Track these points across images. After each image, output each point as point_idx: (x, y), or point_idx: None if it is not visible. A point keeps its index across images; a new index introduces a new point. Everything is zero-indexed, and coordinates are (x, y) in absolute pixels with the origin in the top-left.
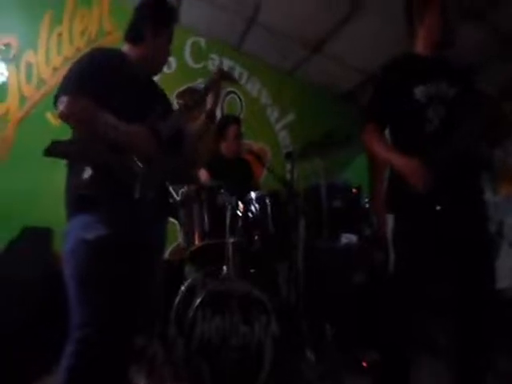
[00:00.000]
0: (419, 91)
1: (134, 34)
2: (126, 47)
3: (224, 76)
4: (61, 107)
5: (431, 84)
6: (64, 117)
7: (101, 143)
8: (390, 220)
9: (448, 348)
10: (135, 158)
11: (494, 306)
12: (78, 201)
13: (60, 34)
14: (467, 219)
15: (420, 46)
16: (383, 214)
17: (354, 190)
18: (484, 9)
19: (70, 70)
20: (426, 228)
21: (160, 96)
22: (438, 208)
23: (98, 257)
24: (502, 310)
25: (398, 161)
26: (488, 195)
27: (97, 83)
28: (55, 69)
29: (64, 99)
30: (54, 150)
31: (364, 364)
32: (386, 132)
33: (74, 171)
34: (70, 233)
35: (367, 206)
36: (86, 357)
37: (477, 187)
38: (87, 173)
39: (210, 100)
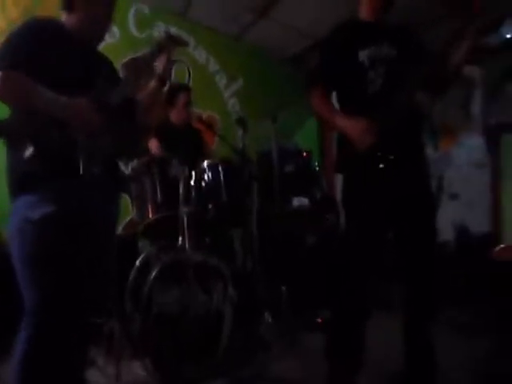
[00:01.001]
0: (362, 54)
1: (65, 2)
2: (63, 16)
3: (172, 39)
4: None
5: (373, 47)
6: None
7: (40, 119)
8: (339, 181)
9: (399, 302)
10: (78, 132)
11: (437, 259)
12: (21, 180)
13: None
14: (410, 175)
15: (363, 11)
16: (333, 176)
17: (304, 154)
18: None
19: (2, 44)
20: (372, 186)
21: (105, 65)
22: (381, 166)
23: (45, 236)
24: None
25: (342, 122)
26: (429, 151)
27: (32, 55)
28: None
29: None
30: None
31: (319, 320)
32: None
33: (13, 150)
34: (14, 214)
35: (317, 169)
36: (40, 341)
37: (418, 143)
38: (28, 151)
39: (160, 64)
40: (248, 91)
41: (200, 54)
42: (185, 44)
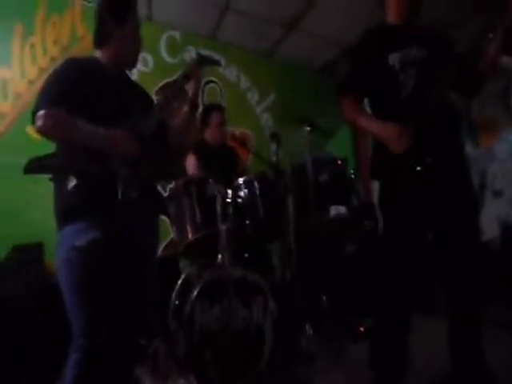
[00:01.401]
0: (392, 58)
1: (98, 38)
2: (97, 53)
3: (203, 61)
4: (38, 123)
5: (403, 50)
6: (42, 132)
7: (81, 152)
8: (376, 187)
9: (442, 305)
10: (117, 162)
11: (481, 260)
12: (66, 212)
13: (33, 45)
14: (449, 177)
15: (390, 15)
16: (369, 182)
17: (339, 162)
18: None
19: (44, 84)
20: (410, 190)
21: (139, 94)
22: (419, 168)
23: (90, 261)
24: (489, 262)
25: (376, 127)
26: (469, 149)
27: (71, 93)
28: (30, 82)
29: (40, 114)
30: (33, 166)
31: (361, 329)
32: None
33: (58, 183)
34: (61, 244)
35: (353, 176)
36: (89, 364)
37: (457, 143)
38: (71, 182)
39: (190, 88)
40: (280, 105)
41: (231, 73)
42: (216, 63)
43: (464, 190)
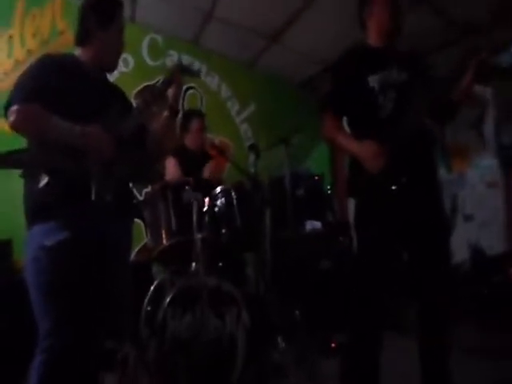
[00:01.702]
0: (372, 80)
1: (80, 36)
2: (77, 51)
3: (183, 69)
4: (10, 118)
5: (383, 72)
6: (14, 127)
7: (55, 149)
8: (351, 205)
9: (414, 325)
10: (91, 161)
11: (451, 282)
12: (36, 210)
13: (11, 37)
14: (423, 198)
15: (371, 37)
16: (344, 199)
17: (316, 178)
18: None
19: (19, 79)
20: (384, 209)
21: (118, 96)
22: (394, 188)
23: (59, 262)
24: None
25: (353, 145)
26: (442, 173)
27: (47, 88)
28: (6, 73)
29: (13, 109)
30: (4, 161)
31: (333, 345)
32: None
33: (29, 180)
34: (30, 242)
35: (329, 192)
36: (56, 365)
37: (431, 166)
38: (43, 180)
39: (171, 94)
40: (260, 117)
41: (212, 81)
42: (197, 74)
43: (436, 213)
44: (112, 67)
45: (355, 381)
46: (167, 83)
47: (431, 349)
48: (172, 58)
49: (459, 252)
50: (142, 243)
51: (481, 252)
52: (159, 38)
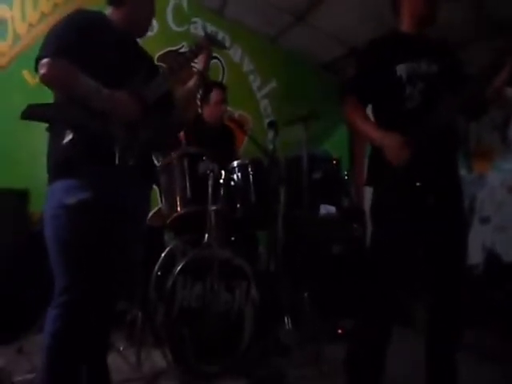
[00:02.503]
0: (400, 69)
1: None
2: (109, 10)
3: (211, 40)
4: (41, 70)
5: (412, 62)
6: (45, 80)
7: (82, 107)
8: (368, 193)
9: (423, 320)
10: (116, 124)
11: (464, 282)
12: (59, 166)
13: None
14: (443, 195)
15: (403, 23)
16: (361, 186)
17: (333, 162)
18: None
19: (51, 32)
20: (405, 202)
21: (145, 60)
22: (418, 184)
23: (78, 221)
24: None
25: (377, 134)
26: (463, 172)
27: (77, 45)
28: (31, 25)
29: (44, 62)
30: (32, 113)
31: (340, 331)
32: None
33: (54, 135)
34: (50, 198)
35: (346, 177)
36: (69, 320)
37: (453, 164)
38: (68, 137)
39: (201, 62)
40: (280, 94)
41: (235, 53)
42: (223, 46)
43: (456, 211)
44: (141, 33)
45: (359, 368)
46: (195, 51)
47: (438, 346)
48: (196, 26)
49: (474, 255)
50: (156, 208)
51: (496, 257)
52: (184, 4)
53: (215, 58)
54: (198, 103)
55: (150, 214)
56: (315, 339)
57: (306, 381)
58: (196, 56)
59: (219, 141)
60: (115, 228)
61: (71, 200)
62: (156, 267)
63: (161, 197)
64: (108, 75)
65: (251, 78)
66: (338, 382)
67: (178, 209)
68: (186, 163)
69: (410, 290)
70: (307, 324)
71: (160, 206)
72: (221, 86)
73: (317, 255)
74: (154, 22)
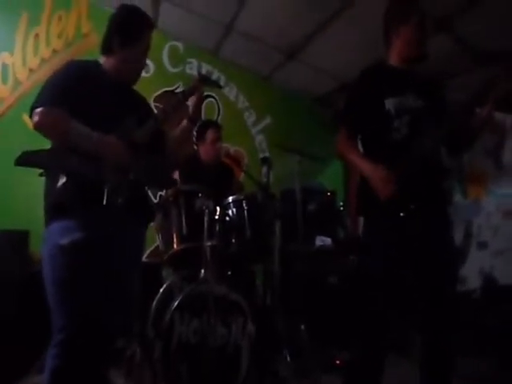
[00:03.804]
0: (389, 102)
1: (104, 46)
2: (102, 58)
3: (205, 80)
4: (34, 118)
5: (400, 96)
6: (37, 128)
7: (74, 152)
8: (361, 223)
9: (418, 347)
10: (106, 166)
11: (457, 308)
12: (54, 208)
13: (37, 36)
14: (431, 225)
15: (394, 58)
16: (357, 217)
17: (328, 194)
18: (451, 20)
19: (47, 82)
20: (392, 234)
21: (138, 102)
22: (402, 215)
23: (73, 261)
24: (472, 310)
25: (365, 167)
26: (458, 198)
27: (71, 94)
28: (31, 70)
29: (38, 111)
30: (25, 160)
31: (337, 362)
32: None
33: (49, 179)
34: (47, 239)
35: (342, 209)
36: (67, 358)
37: (441, 193)
38: (61, 180)
39: (192, 105)
40: (275, 129)
41: (231, 91)
42: (218, 86)
43: (444, 241)
44: (132, 80)
45: None
46: (188, 94)
47: (433, 374)
48: (191, 66)
49: (471, 279)
50: (154, 245)
51: (493, 280)
52: (180, 46)
53: (211, 96)
54: (194, 142)
55: (148, 252)
56: (313, 371)
57: None
58: (189, 96)
59: (216, 178)
60: (109, 266)
61: (65, 240)
62: (154, 303)
63: (158, 234)
64: (102, 120)
65: (246, 114)
66: None
67: (175, 246)
68: (181, 201)
69: (403, 317)
70: (305, 356)
71: (157, 243)
72: (216, 125)
73: (313, 287)
74: (150, 64)
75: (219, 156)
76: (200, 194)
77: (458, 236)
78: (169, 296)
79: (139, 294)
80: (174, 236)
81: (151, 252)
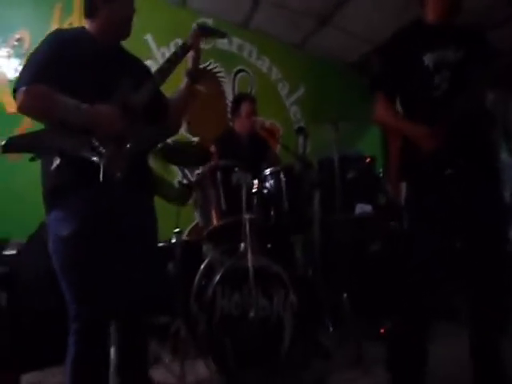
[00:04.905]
0: (427, 58)
1: (87, 8)
2: (86, 23)
3: (206, 32)
4: (18, 100)
5: (438, 51)
6: (22, 110)
7: (65, 130)
8: (403, 188)
9: (465, 312)
10: (101, 139)
11: (506, 269)
12: (50, 195)
13: (71, 24)
14: (478, 182)
15: (428, 14)
16: (398, 182)
17: (367, 160)
18: None
19: (28, 59)
20: (438, 193)
21: (133, 66)
22: (449, 172)
23: (76, 250)
24: None
25: (407, 126)
26: (504, 156)
27: (55, 67)
28: None
29: (20, 91)
30: (13, 145)
31: (382, 331)
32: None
33: (44, 162)
34: (49, 229)
35: (381, 175)
36: (84, 345)
37: (488, 149)
38: (55, 162)
39: (190, 60)
40: (310, 99)
41: (263, 63)
42: (219, 34)
43: (493, 199)
44: (123, 35)
45: (402, 367)
46: (185, 49)
47: (483, 338)
48: (222, 41)
49: None
50: (194, 223)
51: None
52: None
53: (243, 70)
54: (229, 116)
55: (188, 229)
56: (357, 340)
57: (349, 382)
58: (189, 50)
59: (252, 151)
60: (116, 247)
61: (65, 231)
62: (196, 279)
63: (196, 211)
64: (93, 88)
65: (280, 86)
66: (381, 381)
67: (214, 221)
68: (218, 176)
69: (450, 281)
70: (348, 325)
71: (197, 220)
72: (250, 98)
73: (354, 255)
74: (180, 42)
75: (254, 129)
76: (237, 169)
77: (506, 195)
78: (210, 271)
79: (180, 272)
80: (213, 212)
81: (191, 229)
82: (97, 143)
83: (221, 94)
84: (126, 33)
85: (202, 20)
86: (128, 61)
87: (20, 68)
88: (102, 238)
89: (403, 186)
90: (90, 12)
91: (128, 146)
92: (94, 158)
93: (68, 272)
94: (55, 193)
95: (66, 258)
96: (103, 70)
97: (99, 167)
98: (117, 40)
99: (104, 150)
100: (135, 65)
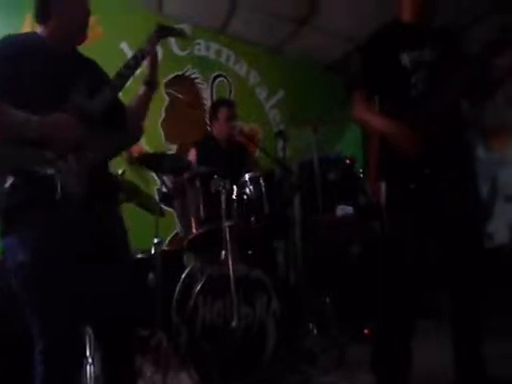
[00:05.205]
0: (405, 58)
1: (39, 13)
2: (39, 29)
3: (162, 32)
4: None
5: (416, 51)
6: None
7: (17, 145)
8: (383, 188)
9: (446, 311)
10: (51, 153)
11: (484, 266)
12: (5, 217)
13: None
14: (456, 182)
15: (404, 14)
16: (378, 182)
17: (347, 161)
18: None
19: None
20: (416, 192)
21: (89, 71)
22: (427, 171)
23: (36, 275)
24: (500, 266)
25: (388, 124)
26: (480, 152)
27: (4, 78)
28: None
29: None
30: None
31: (366, 332)
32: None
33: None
34: (7, 255)
35: (361, 176)
36: (50, 364)
37: (465, 148)
38: (8, 181)
39: (147, 66)
40: (289, 102)
41: (241, 68)
42: (179, 33)
43: (470, 197)
44: (79, 40)
45: (386, 368)
46: (142, 55)
47: (465, 336)
48: (200, 47)
49: (500, 235)
50: (174, 232)
51: None
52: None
53: (220, 76)
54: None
55: (168, 239)
56: (340, 342)
57: None
58: (148, 54)
59: (231, 157)
60: (76, 268)
61: (21, 258)
62: (176, 289)
63: (177, 220)
64: (45, 98)
65: (258, 90)
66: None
67: (194, 230)
68: (197, 183)
69: (430, 280)
70: (331, 328)
71: (177, 230)
72: (228, 103)
73: (336, 258)
74: (159, 49)
75: (233, 135)
76: (216, 175)
77: (483, 190)
78: (191, 281)
79: (160, 283)
80: (193, 220)
81: (171, 239)
82: (52, 156)
83: (199, 100)
84: (81, 37)
85: (179, 26)
86: (85, 66)
87: None
88: (63, 257)
89: (382, 185)
90: (42, 16)
91: (88, 156)
92: (50, 173)
93: (29, 296)
94: (10, 215)
95: (26, 283)
96: (57, 77)
97: (56, 183)
98: (72, 44)
99: (61, 163)
100: (93, 70)
